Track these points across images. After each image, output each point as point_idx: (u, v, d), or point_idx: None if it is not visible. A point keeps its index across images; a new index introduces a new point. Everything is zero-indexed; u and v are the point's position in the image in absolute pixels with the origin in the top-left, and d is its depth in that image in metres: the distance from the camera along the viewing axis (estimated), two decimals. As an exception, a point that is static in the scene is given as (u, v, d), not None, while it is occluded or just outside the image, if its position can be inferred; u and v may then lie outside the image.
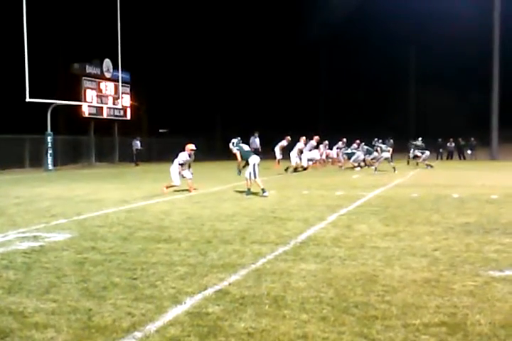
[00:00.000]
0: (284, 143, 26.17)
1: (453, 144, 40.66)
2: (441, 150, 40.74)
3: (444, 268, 6.03)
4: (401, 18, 47.09)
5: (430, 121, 53.94)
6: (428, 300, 4.88)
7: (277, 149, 26.31)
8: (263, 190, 13.44)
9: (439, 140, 40.54)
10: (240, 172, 15.04)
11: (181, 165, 14.58)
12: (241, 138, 18.78)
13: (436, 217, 9.90)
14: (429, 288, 5.23)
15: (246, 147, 14.91)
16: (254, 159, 13.87)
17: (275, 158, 26.36)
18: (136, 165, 32.96)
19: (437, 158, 40.12)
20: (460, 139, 40.40)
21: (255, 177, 13.62)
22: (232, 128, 50.78)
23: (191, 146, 14.67)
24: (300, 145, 24.81)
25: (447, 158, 40.04)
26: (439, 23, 48.36)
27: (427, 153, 27.86)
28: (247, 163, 14.53)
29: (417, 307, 4.66)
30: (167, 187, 14.54)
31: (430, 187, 15.89)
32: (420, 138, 30.02)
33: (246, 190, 13.84)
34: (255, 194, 13.67)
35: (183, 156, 14.62)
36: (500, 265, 6.16)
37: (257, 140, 29.97)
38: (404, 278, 5.59)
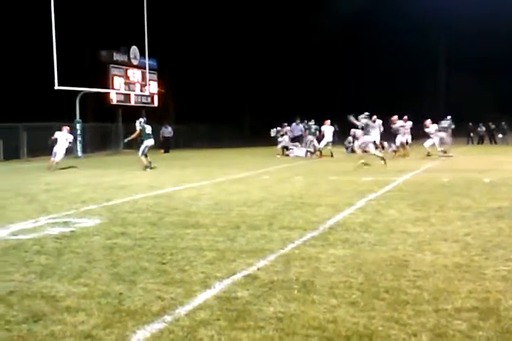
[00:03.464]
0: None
1: (483, 128, 39.96)
2: (471, 134, 40.12)
3: (476, 253, 5.94)
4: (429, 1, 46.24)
5: (460, 105, 53.02)
6: (460, 285, 4.81)
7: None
8: (146, 167, 17.39)
9: (470, 124, 39.91)
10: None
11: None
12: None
13: (467, 201, 9.75)
14: (460, 273, 5.16)
15: (149, 129, 18.33)
16: (149, 142, 17.85)
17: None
18: (166, 152, 32.92)
19: (468, 143, 39.48)
20: (490, 123, 39.67)
21: (142, 154, 17.59)
22: (260, 115, 50.68)
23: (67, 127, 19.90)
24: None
25: (478, 143, 39.45)
26: (467, 6, 47.33)
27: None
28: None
29: (449, 293, 4.60)
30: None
31: (460, 172, 15.65)
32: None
33: (144, 166, 17.58)
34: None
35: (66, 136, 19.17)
36: (534, 250, 6.05)
37: (300, 126, 29.19)
38: (436, 263, 5.51)
